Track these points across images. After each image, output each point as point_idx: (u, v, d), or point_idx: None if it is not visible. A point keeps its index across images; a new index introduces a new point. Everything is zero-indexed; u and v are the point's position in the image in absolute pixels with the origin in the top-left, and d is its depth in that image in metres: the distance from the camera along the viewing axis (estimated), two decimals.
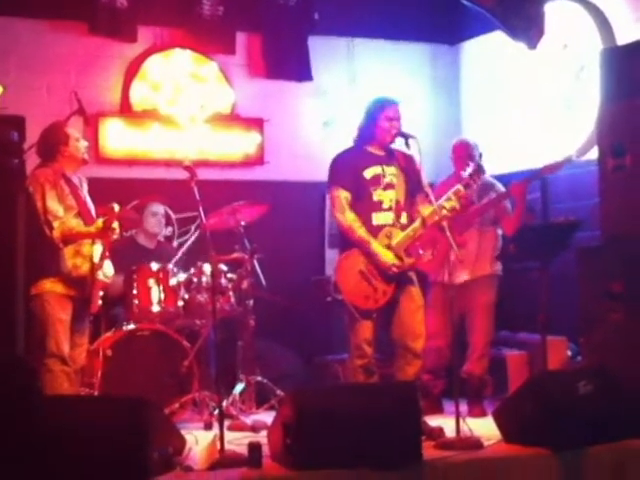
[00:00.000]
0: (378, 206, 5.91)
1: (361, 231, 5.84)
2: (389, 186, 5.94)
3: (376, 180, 5.93)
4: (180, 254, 7.46)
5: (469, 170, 6.03)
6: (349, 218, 5.88)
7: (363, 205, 5.91)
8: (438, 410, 6.84)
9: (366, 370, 5.89)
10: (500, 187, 7.06)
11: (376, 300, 5.85)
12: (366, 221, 5.88)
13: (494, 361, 7.21)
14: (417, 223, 5.89)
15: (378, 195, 5.92)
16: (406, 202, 6.00)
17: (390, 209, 5.92)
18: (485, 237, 7.02)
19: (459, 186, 5.97)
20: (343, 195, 5.91)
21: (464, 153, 7.09)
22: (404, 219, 5.96)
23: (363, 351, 5.88)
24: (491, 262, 6.98)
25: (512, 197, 6.91)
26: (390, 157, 6.02)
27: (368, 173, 5.93)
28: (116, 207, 5.88)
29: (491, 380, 7.09)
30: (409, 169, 6.01)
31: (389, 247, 5.87)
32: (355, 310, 5.84)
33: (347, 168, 5.96)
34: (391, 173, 5.97)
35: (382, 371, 6.05)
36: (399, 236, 5.89)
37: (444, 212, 5.81)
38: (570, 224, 6.39)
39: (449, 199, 5.90)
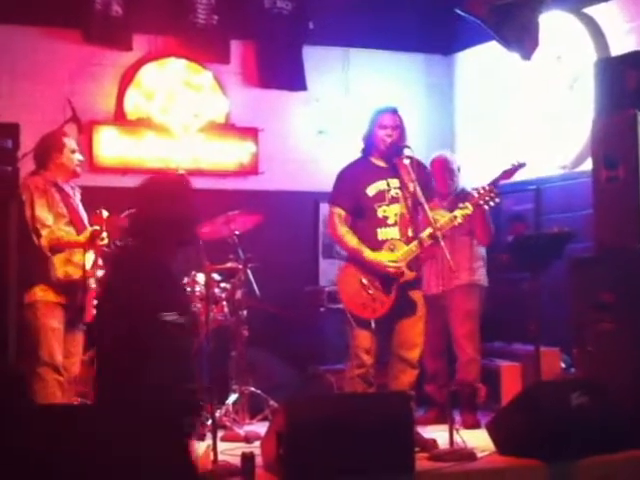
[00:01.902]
0: (383, 222, 5.91)
1: (353, 242, 5.86)
2: (394, 200, 5.93)
3: (380, 196, 5.92)
4: None
5: (482, 192, 6.01)
6: (341, 231, 5.92)
7: (368, 221, 5.92)
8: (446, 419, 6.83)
9: (364, 380, 5.88)
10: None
11: (374, 310, 5.84)
12: (371, 236, 5.88)
13: (488, 372, 7.21)
14: (416, 242, 5.87)
15: (383, 211, 5.92)
16: (412, 214, 5.97)
17: (395, 224, 5.92)
18: (459, 247, 6.94)
19: (468, 205, 5.96)
20: (337, 212, 5.94)
21: (442, 167, 7.13)
22: (410, 232, 5.94)
23: (361, 360, 5.88)
24: (468, 272, 6.98)
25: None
26: (395, 169, 5.98)
27: (371, 190, 5.93)
28: (104, 213, 5.86)
29: (484, 388, 7.07)
30: (418, 177, 5.91)
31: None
32: (352, 318, 5.85)
33: (349, 186, 5.97)
34: (395, 186, 5.95)
35: (378, 381, 6.03)
36: (403, 249, 5.88)
37: (458, 221, 5.89)
38: (563, 235, 6.39)
39: (464, 208, 5.93)
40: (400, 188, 5.95)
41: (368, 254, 5.83)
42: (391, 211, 5.93)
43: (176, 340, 4.80)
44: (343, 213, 5.93)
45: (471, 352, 6.99)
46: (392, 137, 5.94)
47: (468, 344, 6.98)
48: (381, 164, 6.01)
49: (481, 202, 6.00)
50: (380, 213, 5.92)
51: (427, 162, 7.76)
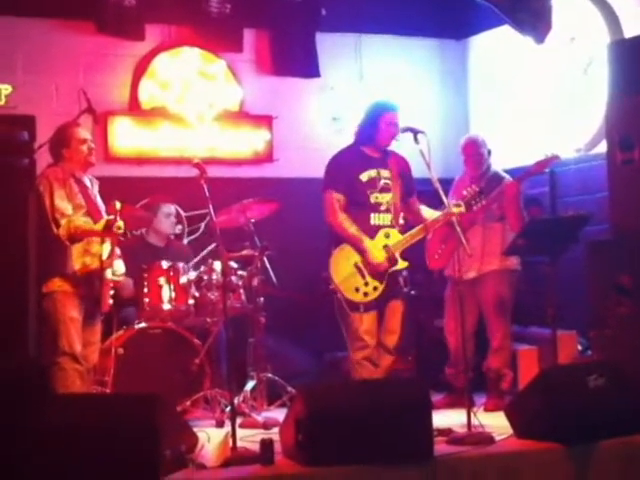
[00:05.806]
0: (376, 208, 6.00)
1: (352, 229, 5.93)
2: (385, 189, 6.03)
3: (372, 183, 6.02)
4: (199, 257, 7.45)
5: (470, 192, 6.06)
6: (340, 218, 5.97)
7: (361, 207, 5.99)
8: (462, 404, 6.84)
9: (370, 361, 5.93)
10: (508, 181, 7.04)
11: (365, 294, 5.92)
12: (364, 222, 5.96)
13: None
14: (416, 229, 5.99)
15: (375, 197, 6.00)
16: (402, 205, 6.09)
17: (388, 211, 6.01)
18: (490, 233, 6.99)
19: (462, 203, 6.03)
20: (336, 197, 5.99)
21: (473, 151, 7.13)
22: (402, 221, 6.06)
23: (364, 342, 5.94)
24: (500, 257, 6.94)
25: (507, 196, 6.89)
26: (385, 160, 6.11)
27: (364, 176, 6.02)
28: (117, 204, 5.88)
29: (511, 374, 7.07)
30: (403, 172, 6.12)
31: (386, 247, 5.95)
32: (344, 301, 5.89)
33: (342, 171, 6.04)
34: (385, 177, 6.06)
35: None
36: (397, 238, 5.98)
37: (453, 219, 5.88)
38: (579, 218, 6.39)
39: (459, 206, 5.99)
40: (390, 179, 6.04)
41: (367, 244, 5.91)
42: (383, 198, 6.02)
43: None
44: (342, 198, 5.99)
45: (501, 338, 6.99)
46: (395, 134, 6.05)
47: (498, 330, 6.99)
48: (373, 154, 6.11)
49: (472, 203, 6.05)
50: (373, 199, 6.00)
51: (443, 146, 7.84)
